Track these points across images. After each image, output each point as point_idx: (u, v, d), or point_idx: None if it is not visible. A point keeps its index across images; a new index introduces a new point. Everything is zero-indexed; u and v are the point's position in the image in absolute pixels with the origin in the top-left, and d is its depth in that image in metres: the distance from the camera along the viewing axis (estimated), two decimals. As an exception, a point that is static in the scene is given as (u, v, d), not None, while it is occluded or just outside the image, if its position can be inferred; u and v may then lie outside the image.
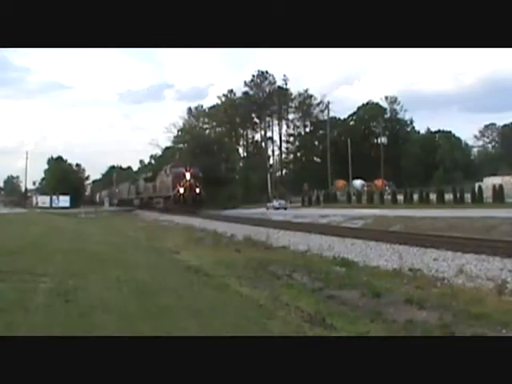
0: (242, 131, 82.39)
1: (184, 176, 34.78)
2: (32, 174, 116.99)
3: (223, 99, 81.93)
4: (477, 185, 33.76)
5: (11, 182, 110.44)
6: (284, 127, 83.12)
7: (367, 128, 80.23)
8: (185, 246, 14.01)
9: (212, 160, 51.84)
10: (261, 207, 43.58)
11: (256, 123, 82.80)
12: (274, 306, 6.02)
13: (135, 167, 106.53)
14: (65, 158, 79.98)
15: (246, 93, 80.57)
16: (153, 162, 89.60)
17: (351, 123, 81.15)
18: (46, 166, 77.82)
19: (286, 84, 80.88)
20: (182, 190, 34.30)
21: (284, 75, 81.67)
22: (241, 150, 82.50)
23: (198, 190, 34.62)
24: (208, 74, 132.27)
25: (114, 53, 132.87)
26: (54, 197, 58.97)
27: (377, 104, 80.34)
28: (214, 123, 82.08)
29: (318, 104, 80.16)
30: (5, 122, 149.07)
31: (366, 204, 38.98)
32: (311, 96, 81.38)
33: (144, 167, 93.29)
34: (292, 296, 6.69)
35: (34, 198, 64.11)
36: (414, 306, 6.21)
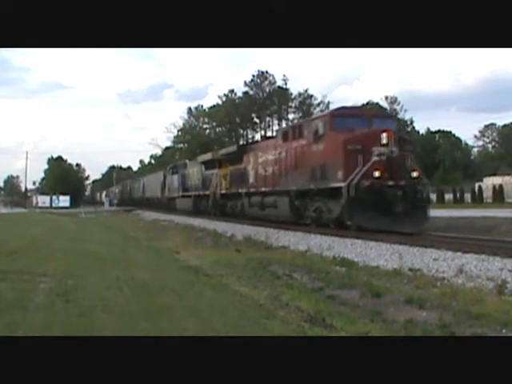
0: (241, 131, 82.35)
1: (378, 139, 13.24)
2: (32, 174, 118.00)
3: (223, 99, 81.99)
4: (477, 185, 33.84)
5: (11, 181, 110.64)
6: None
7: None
8: (185, 245, 13.99)
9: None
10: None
11: (256, 123, 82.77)
12: (274, 306, 6.02)
13: (135, 167, 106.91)
14: (65, 157, 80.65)
15: (246, 93, 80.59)
16: (153, 161, 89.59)
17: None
18: (46, 166, 78.20)
19: (286, 84, 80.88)
20: (377, 174, 13.13)
21: (284, 75, 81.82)
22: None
23: (415, 174, 13.71)
24: (208, 73, 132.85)
25: (114, 53, 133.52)
26: (54, 197, 59.01)
27: (377, 104, 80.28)
28: (214, 123, 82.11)
29: (319, 104, 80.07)
30: (5, 122, 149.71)
31: (366, 204, 38.87)
32: (311, 96, 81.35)
33: (144, 167, 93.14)
34: (292, 296, 6.68)
35: (34, 198, 64.10)
36: (413, 305, 6.20)
